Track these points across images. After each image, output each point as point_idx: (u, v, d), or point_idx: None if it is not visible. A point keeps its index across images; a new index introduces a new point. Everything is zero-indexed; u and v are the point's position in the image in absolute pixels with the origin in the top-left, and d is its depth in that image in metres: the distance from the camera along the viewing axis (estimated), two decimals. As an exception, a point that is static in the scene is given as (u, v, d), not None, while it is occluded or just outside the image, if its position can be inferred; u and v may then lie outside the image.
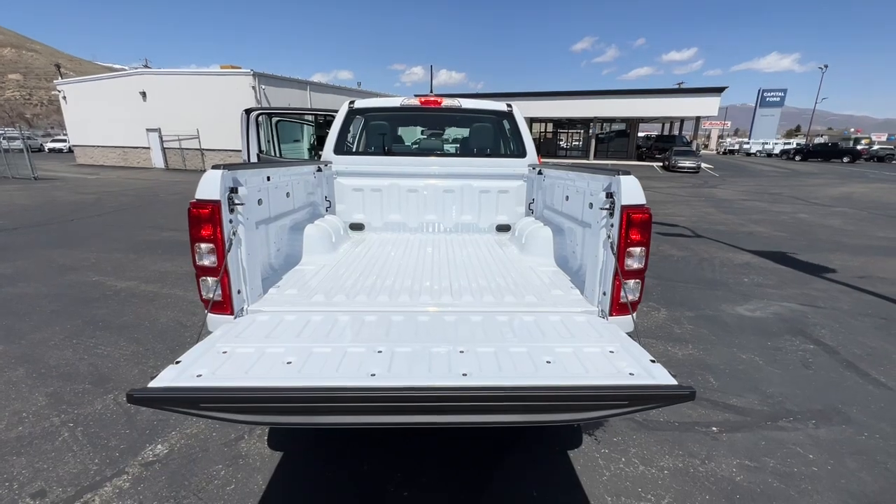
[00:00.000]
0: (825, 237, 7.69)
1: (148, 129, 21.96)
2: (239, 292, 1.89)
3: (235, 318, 1.86)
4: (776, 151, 47.25)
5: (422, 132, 4.60)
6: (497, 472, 2.18)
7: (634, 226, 1.75)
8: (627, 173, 1.77)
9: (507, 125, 3.53)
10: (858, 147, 37.44)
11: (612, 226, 1.81)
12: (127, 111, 21.93)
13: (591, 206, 2.08)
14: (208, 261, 1.80)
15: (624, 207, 1.75)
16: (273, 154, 4.51)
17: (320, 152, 4.43)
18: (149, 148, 22.44)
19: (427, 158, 3.46)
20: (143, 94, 21.35)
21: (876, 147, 39.86)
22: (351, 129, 3.46)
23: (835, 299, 4.58)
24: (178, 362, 1.45)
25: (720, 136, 56.69)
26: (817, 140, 52.75)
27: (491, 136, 3.57)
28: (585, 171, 2.25)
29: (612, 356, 1.53)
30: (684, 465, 2.22)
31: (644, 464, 2.23)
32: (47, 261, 5.69)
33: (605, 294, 1.88)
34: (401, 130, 3.98)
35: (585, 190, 2.23)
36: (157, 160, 22.37)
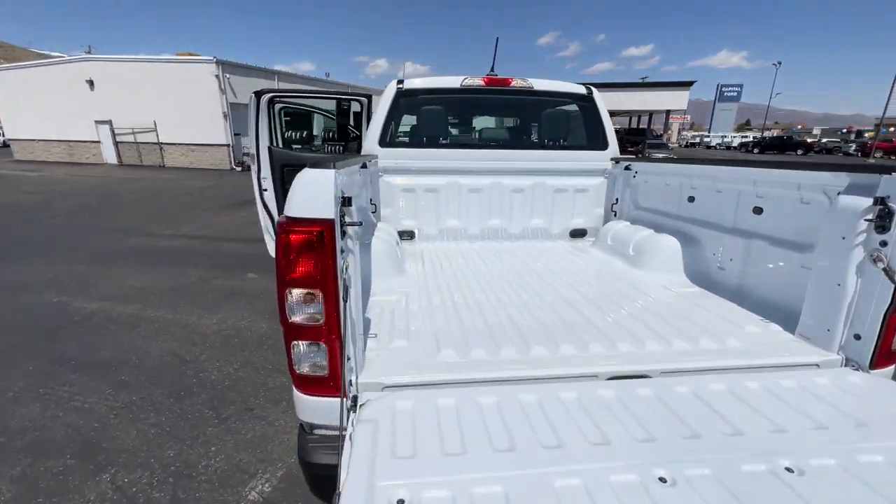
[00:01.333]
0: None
1: (97, 122, 20.01)
2: (349, 359, 1.26)
3: (349, 403, 1.22)
4: (735, 144, 49.50)
5: (479, 119, 3.93)
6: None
7: None
8: None
9: (585, 111, 2.99)
10: (809, 140, 40.39)
11: (884, 244, 1.30)
12: (72, 102, 19.89)
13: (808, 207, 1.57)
14: (307, 315, 1.16)
15: None
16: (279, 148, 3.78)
17: (341, 145, 3.77)
18: (99, 142, 20.49)
19: (492, 151, 2.87)
20: (91, 83, 19.40)
21: (825, 140, 43.17)
22: (398, 115, 2.82)
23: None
24: None
25: (680, 130, 58.63)
26: (769, 134, 55.63)
27: (567, 124, 3.02)
28: (788, 165, 1.72)
29: None
30: None
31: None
32: (-9, 277, 4.71)
33: (858, 338, 1.38)
34: (457, 117, 3.37)
35: (790, 189, 1.70)
36: (109, 155, 20.46)
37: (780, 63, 51.00)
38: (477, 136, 3.51)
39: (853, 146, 35.49)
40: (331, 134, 3.95)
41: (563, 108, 3.06)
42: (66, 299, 4.10)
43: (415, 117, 2.91)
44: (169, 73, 18.12)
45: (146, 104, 18.76)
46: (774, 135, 53.28)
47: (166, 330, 3.48)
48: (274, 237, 3.36)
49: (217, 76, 17.45)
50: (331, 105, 3.84)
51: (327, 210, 1.10)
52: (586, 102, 2.94)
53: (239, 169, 17.74)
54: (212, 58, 17.52)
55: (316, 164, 1.15)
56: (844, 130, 57.38)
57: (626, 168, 2.73)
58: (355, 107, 3.45)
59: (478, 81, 2.75)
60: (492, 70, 3.10)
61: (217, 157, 18.63)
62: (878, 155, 29.39)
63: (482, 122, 3.90)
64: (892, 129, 40.35)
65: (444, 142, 2.88)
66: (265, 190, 3.24)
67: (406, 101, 2.77)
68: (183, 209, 9.10)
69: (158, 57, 18.65)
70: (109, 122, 19.79)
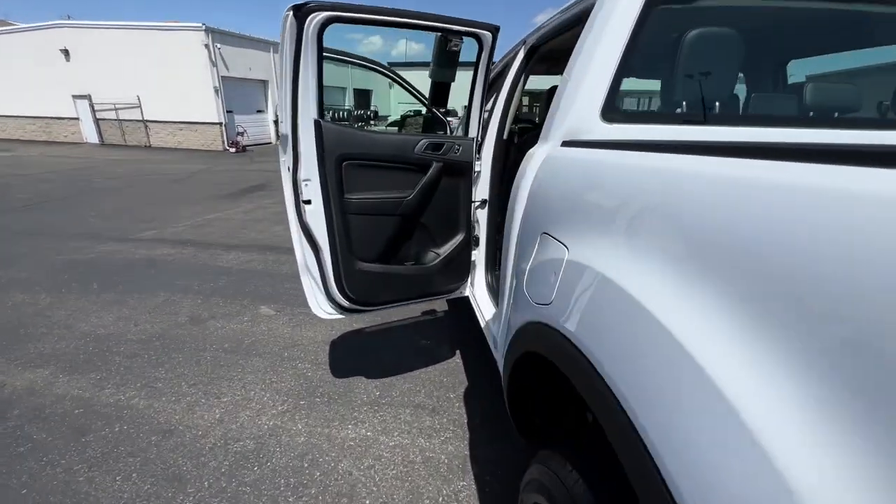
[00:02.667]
0: None
1: (75, 96, 18.06)
2: None
3: None
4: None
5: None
6: None
7: None
8: None
9: None
10: None
11: None
12: (46, 74, 17.89)
13: None
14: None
15: None
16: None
17: (443, 117, 2.27)
18: (77, 119, 18.57)
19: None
20: (66, 53, 17.40)
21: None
22: (647, 49, 1.23)
23: None
24: None
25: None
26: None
27: None
28: None
29: None
30: None
31: None
32: None
33: None
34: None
35: None
36: (90, 134, 18.58)
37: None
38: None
39: None
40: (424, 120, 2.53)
41: None
42: (-22, 363, 2.61)
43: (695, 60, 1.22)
44: (152, 41, 16.13)
45: (128, 77, 16.82)
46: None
47: (135, 446, 2.02)
48: (321, 285, 1.86)
49: (207, 45, 15.54)
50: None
51: None
52: None
53: (233, 150, 15.99)
54: (200, 24, 15.56)
55: None
56: None
57: None
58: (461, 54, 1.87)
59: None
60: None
61: (208, 137, 16.83)
62: None
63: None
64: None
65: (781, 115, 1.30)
66: (308, 202, 1.75)
67: (672, 19, 1.19)
68: (170, 200, 7.51)
69: (140, 24, 16.61)
70: (88, 97, 17.84)
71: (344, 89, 23.72)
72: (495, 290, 2.26)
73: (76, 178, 9.74)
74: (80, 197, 7.76)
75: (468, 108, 2.05)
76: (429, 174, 1.92)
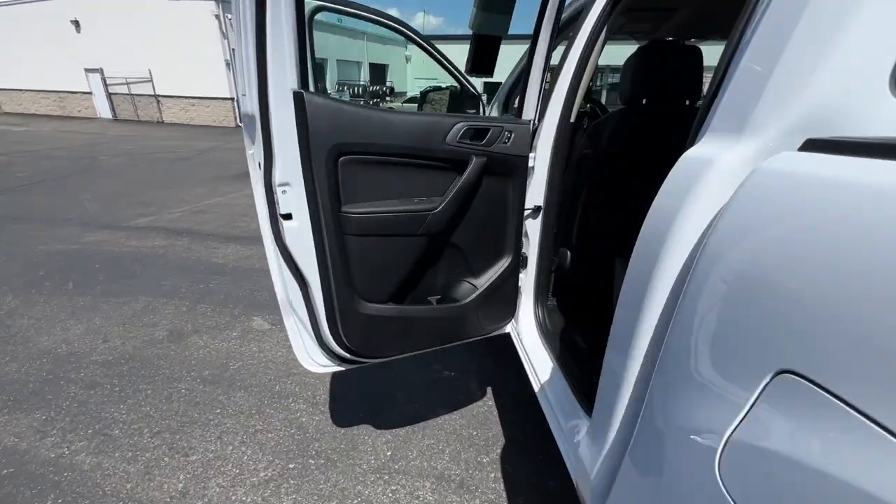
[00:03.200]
0: None
1: (87, 70, 17.69)
2: None
3: None
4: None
5: None
6: None
7: None
8: None
9: None
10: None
11: None
12: (57, 46, 17.51)
13: None
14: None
15: None
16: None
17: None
18: (90, 93, 18.25)
19: None
20: (76, 24, 16.95)
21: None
22: None
23: None
24: None
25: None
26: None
27: None
28: None
29: None
30: None
31: None
32: None
33: None
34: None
35: None
36: (103, 108, 18.27)
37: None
38: None
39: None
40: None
41: None
42: None
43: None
44: (162, 12, 15.51)
45: (140, 50, 16.33)
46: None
47: (66, 521, 1.52)
48: (310, 329, 1.30)
49: (217, 16, 14.86)
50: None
51: None
52: None
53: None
54: (211, -8, 14.85)
55: None
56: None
57: None
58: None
59: None
60: None
61: (220, 113, 16.34)
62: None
63: None
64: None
65: None
66: (287, 217, 1.17)
67: None
68: (173, 181, 7.04)
69: (150, -8, 15.97)
70: (100, 71, 17.46)
71: (359, 64, 22.83)
72: (546, 329, 1.65)
73: (82, 156, 9.36)
74: (81, 176, 7.35)
75: (523, 79, 1.42)
76: (466, 175, 1.32)
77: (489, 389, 2.29)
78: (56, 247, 4.07)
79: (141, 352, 2.51)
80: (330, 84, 20.56)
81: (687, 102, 1.67)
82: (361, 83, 20.56)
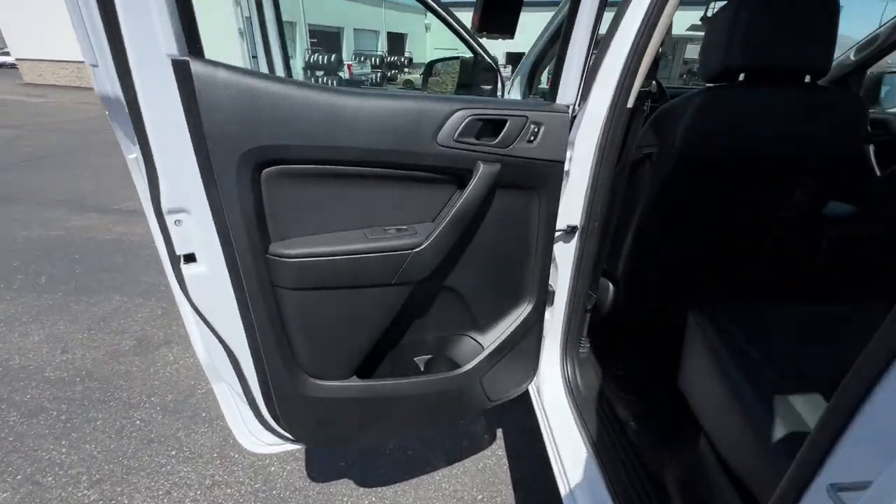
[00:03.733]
0: None
1: (102, 39, 17.37)
2: None
3: None
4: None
5: None
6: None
7: None
8: None
9: None
10: None
11: None
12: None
13: None
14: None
15: None
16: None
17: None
18: (106, 64, 17.99)
19: None
20: (90, -10, 16.52)
21: None
22: None
23: None
24: None
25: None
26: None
27: None
28: None
29: None
30: None
31: None
32: None
33: None
34: None
35: None
36: (119, 80, 18.02)
37: None
38: None
39: None
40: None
41: None
42: None
43: None
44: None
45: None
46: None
47: None
48: (245, 399, 0.90)
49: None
50: None
51: None
52: None
53: (260, 100, 15.01)
54: (223, -45, 14.19)
55: None
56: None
57: None
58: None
59: None
60: None
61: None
62: None
63: None
64: None
65: None
66: (190, 259, 0.76)
67: None
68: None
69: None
70: (115, 40, 17.12)
71: (377, 33, 21.92)
72: (576, 389, 1.22)
73: (92, 129, 9.12)
74: (85, 152, 7.10)
75: (561, 43, 0.95)
76: (469, 191, 0.87)
77: (499, 432, 1.89)
78: (38, 232, 3.79)
79: (101, 367, 2.19)
80: (347, 55, 19.83)
81: (807, 79, 1.15)
82: (379, 53, 19.73)
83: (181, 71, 0.64)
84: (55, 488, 1.58)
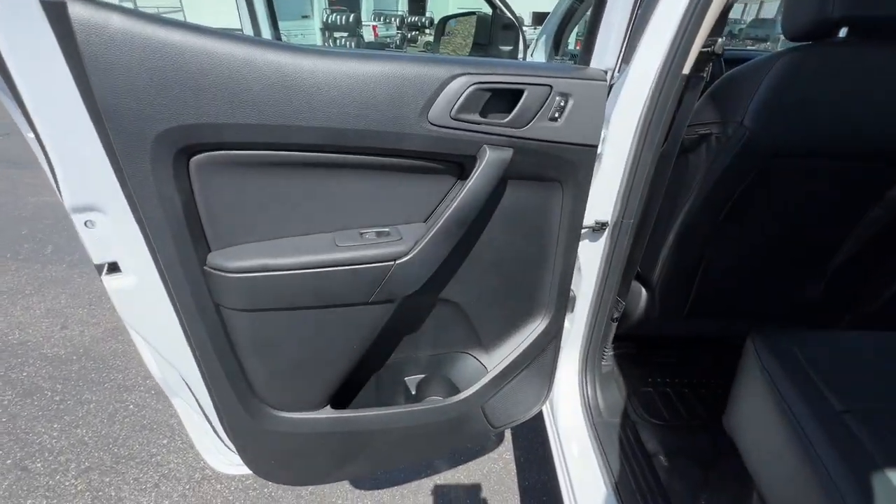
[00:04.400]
0: None
1: (119, -2, 17.09)
2: None
3: None
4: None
5: None
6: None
7: None
8: None
9: None
10: None
11: None
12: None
13: None
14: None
15: None
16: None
17: None
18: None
19: None
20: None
21: None
22: None
23: None
24: None
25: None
26: None
27: None
28: None
29: None
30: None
31: None
32: None
33: None
34: None
35: None
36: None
37: None
38: None
39: None
40: None
41: None
42: None
43: None
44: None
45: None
46: None
47: None
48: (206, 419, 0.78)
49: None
50: None
51: None
52: None
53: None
54: None
55: None
56: None
57: None
58: None
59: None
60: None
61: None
62: None
63: None
64: None
65: None
66: (114, 268, 0.61)
67: None
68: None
69: None
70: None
71: (398, -9, 20.88)
72: (596, 412, 1.05)
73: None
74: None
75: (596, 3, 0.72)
76: (471, 183, 0.67)
77: (507, 433, 1.76)
78: (48, 199, 3.74)
79: (98, 345, 2.13)
80: (366, 15, 19.08)
81: None
82: (399, 13, 18.85)
83: (57, 16, 0.46)
84: (43, 475, 1.53)
